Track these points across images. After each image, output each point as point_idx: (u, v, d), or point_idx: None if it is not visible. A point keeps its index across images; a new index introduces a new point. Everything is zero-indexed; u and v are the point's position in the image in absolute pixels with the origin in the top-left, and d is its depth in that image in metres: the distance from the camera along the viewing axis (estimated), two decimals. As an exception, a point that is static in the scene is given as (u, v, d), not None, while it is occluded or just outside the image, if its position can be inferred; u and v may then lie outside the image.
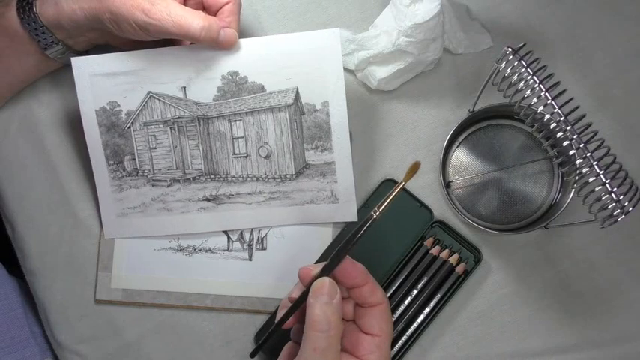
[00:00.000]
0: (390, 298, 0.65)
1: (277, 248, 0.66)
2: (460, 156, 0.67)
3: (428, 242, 0.65)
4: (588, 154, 0.53)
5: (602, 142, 0.54)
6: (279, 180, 0.64)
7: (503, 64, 0.54)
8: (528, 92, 0.53)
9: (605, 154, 0.53)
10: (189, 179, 0.65)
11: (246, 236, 0.67)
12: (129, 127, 0.64)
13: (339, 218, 0.65)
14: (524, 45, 0.54)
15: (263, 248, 0.67)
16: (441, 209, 0.66)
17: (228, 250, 0.67)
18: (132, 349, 0.67)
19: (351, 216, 0.65)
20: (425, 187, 0.67)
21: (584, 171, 0.53)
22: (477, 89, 0.61)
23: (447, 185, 0.66)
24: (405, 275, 0.65)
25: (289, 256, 0.66)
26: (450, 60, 0.68)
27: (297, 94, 0.62)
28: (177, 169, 0.65)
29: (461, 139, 0.67)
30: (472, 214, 0.66)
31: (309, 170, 0.64)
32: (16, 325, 0.67)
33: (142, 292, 0.67)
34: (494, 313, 0.65)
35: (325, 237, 0.66)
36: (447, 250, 0.65)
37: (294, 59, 0.61)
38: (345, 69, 0.68)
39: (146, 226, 0.66)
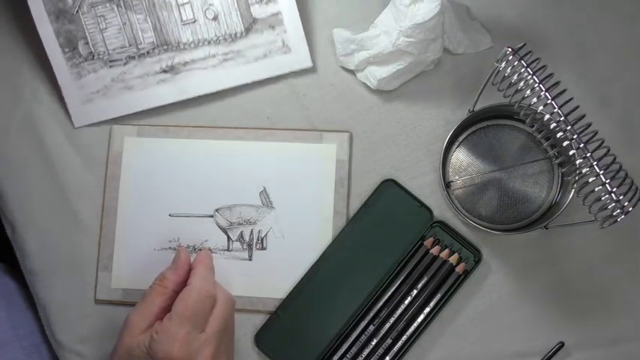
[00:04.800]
0: (390, 298, 0.65)
1: (277, 248, 0.66)
2: (460, 156, 0.67)
3: (428, 242, 0.65)
4: (588, 154, 0.53)
5: (602, 142, 0.54)
6: (230, 40, 0.66)
7: (503, 64, 0.54)
8: (528, 92, 0.53)
9: (605, 154, 0.53)
10: (143, 54, 0.67)
11: (246, 236, 0.67)
12: (77, 11, 0.66)
13: (296, 66, 0.67)
14: (524, 45, 0.54)
15: (263, 248, 0.67)
16: (441, 209, 0.66)
17: (228, 250, 0.67)
18: (132, 349, 0.67)
19: (306, 62, 0.67)
20: (425, 187, 0.67)
21: (584, 171, 0.53)
22: (477, 89, 0.61)
23: (447, 185, 0.66)
24: (405, 275, 0.65)
25: (289, 256, 0.66)
26: (450, 60, 0.68)
27: None
28: (130, 45, 0.66)
29: (461, 139, 0.67)
30: (472, 214, 0.66)
31: (257, 25, 0.66)
32: None
33: (142, 293, 0.66)
34: (494, 313, 0.65)
35: (325, 238, 0.66)
36: (447, 250, 0.65)
37: None
38: (345, 69, 0.68)
39: (111, 107, 0.68)
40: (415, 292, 0.65)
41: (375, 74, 0.65)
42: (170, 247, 0.67)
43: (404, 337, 0.64)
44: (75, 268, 0.68)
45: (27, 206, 0.68)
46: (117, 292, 0.67)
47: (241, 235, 0.67)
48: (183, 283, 0.59)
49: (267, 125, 0.68)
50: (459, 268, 0.64)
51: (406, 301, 0.65)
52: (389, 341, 0.64)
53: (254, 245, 0.67)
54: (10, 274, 0.71)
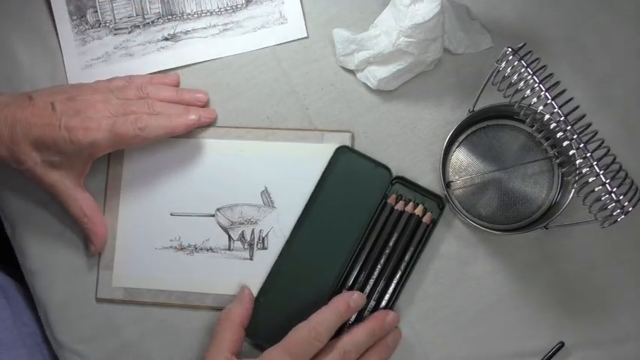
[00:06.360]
0: (364, 261, 0.65)
1: (278, 248, 0.66)
2: (460, 156, 0.67)
3: (391, 199, 0.65)
4: (588, 154, 0.53)
5: (602, 142, 0.54)
6: (230, 11, 0.69)
7: (503, 64, 0.54)
8: (528, 92, 0.53)
9: (605, 154, 0.53)
10: (148, 23, 0.69)
11: (248, 236, 0.67)
12: None
13: (291, 37, 0.69)
14: (524, 45, 0.54)
15: (264, 248, 0.67)
16: (441, 209, 0.66)
17: (229, 249, 0.67)
18: (132, 348, 0.67)
19: (301, 32, 0.69)
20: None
21: (584, 171, 0.53)
22: (477, 89, 0.61)
23: (447, 185, 0.66)
24: (375, 236, 0.65)
25: (290, 256, 0.66)
26: (450, 60, 0.68)
27: None
28: (137, 15, 0.69)
29: (461, 139, 0.67)
30: (472, 214, 0.66)
31: None
32: (2, 327, 0.66)
33: (142, 291, 0.67)
34: (494, 313, 0.65)
35: (325, 237, 0.66)
36: (411, 204, 0.65)
37: None
38: (345, 69, 0.68)
39: (109, 73, 0.69)
40: (388, 250, 0.65)
41: (375, 74, 0.65)
42: (171, 247, 0.67)
43: (386, 296, 0.64)
44: (75, 268, 0.68)
45: (27, 206, 0.68)
46: (118, 291, 0.67)
47: (242, 235, 0.67)
48: (249, 317, 0.63)
49: (267, 125, 0.68)
50: (426, 219, 0.65)
51: (382, 261, 0.64)
52: (372, 303, 0.64)
53: (255, 245, 0.67)
54: (12, 274, 0.71)
